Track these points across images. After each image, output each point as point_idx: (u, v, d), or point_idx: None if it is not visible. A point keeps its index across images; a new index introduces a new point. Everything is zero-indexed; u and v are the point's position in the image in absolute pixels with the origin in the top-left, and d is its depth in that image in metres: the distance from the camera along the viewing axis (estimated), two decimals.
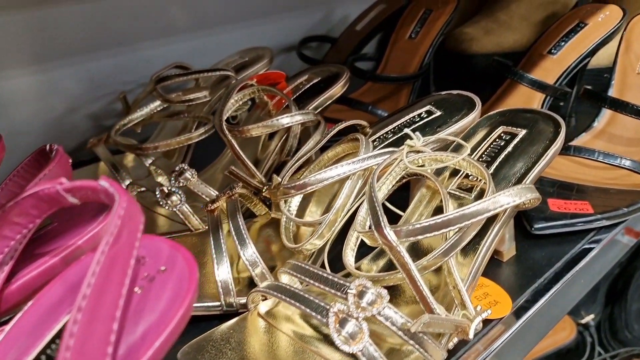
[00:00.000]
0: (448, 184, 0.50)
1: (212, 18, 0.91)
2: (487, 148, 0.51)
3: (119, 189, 0.27)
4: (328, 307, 0.38)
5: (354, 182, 0.50)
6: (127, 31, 0.81)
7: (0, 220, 0.31)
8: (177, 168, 0.60)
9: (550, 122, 0.52)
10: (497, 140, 0.52)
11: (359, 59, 0.93)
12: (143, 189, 0.65)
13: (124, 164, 0.75)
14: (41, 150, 0.42)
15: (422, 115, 0.57)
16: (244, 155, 0.58)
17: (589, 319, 1.00)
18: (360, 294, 0.38)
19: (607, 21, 0.77)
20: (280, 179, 0.54)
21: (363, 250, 0.48)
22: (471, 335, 0.39)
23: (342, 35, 1.01)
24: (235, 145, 0.58)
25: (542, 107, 0.75)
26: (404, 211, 0.51)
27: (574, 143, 0.69)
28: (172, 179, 0.59)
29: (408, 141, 0.48)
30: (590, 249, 0.56)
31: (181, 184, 0.59)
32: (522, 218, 0.58)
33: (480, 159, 0.51)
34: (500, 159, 0.50)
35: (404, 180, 0.50)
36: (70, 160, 0.42)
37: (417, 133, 0.50)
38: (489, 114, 0.55)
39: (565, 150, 0.63)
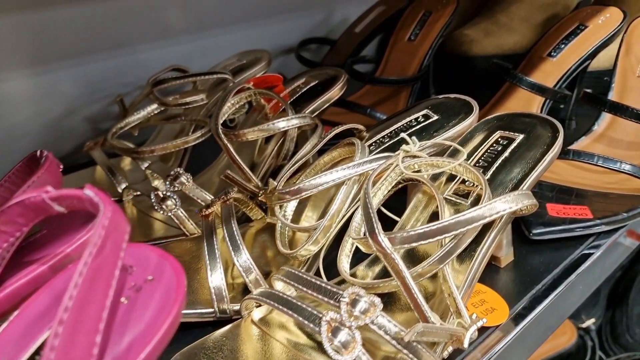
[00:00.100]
0: (444, 189, 0.50)
1: (210, 20, 0.90)
2: (484, 153, 0.51)
3: (103, 198, 0.27)
4: (320, 315, 0.38)
5: (349, 187, 0.49)
6: (124, 33, 0.81)
7: None
8: (172, 172, 0.60)
9: (548, 126, 0.51)
10: (494, 145, 0.51)
11: (358, 61, 0.93)
12: (138, 193, 0.65)
13: (121, 167, 0.75)
14: (32, 155, 0.42)
15: (419, 119, 0.56)
16: (239, 160, 0.57)
17: (589, 323, 0.99)
18: (353, 303, 0.37)
19: (607, 23, 0.76)
20: (276, 183, 0.54)
21: (360, 255, 0.48)
22: (466, 345, 0.39)
23: (341, 37, 1.00)
24: (231, 150, 0.57)
25: (541, 110, 0.75)
26: (401, 215, 0.51)
27: (573, 147, 0.69)
28: (167, 183, 0.59)
29: (404, 146, 0.47)
30: (589, 255, 0.56)
31: (176, 189, 0.59)
32: (520, 223, 0.57)
33: (477, 164, 0.50)
34: (497, 164, 0.49)
35: (400, 186, 0.50)
36: (62, 166, 0.41)
37: (414, 137, 0.49)
38: (486, 118, 0.54)
39: (565, 154, 0.63)
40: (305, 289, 0.41)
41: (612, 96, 0.70)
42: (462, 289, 0.43)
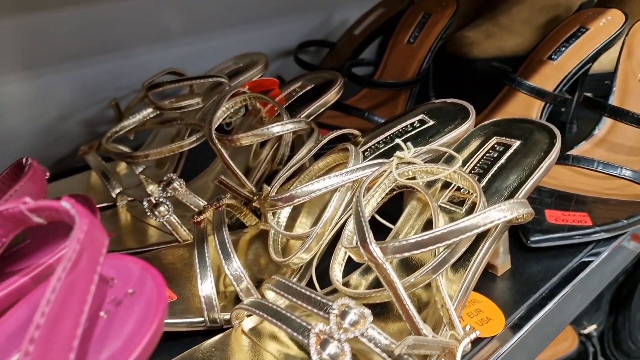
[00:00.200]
0: (439, 196, 0.49)
1: (208, 23, 0.90)
2: (479, 160, 0.50)
3: (80, 210, 0.26)
4: (309, 327, 0.37)
5: (342, 194, 0.49)
6: (120, 37, 0.80)
7: None
8: (165, 178, 0.59)
9: (545, 132, 0.50)
10: (490, 151, 0.50)
11: (357, 64, 0.92)
12: (132, 198, 0.64)
13: (117, 171, 0.74)
14: (18, 162, 0.41)
15: (414, 124, 0.55)
16: (233, 165, 0.57)
17: (591, 329, 0.98)
18: (343, 314, 0.37)
19: (608, 26, 0.75)
20: (270, 189, 0.53)
21: (354, 263, 0.47)
22: (458, 357, 0.38)
23: (340, 39, 0.99)
24: (225, 155, 0.57)
25: (542, 113, 0.74)
26: (397, 222, 0.50)
27: (574, 152, 0.68)
28: (160, 189, 0.58)
29: (397, 153, 0.47)
30: (588, 263, 0.55)
31: (169, 194, 0.58)
32: (518, 230, 0.57)
33: (472, 171, 0.49)
34: (493, 171, 0.48)
35: (395, 192, 0.49)
36: (48, 174, 0.40)
37: (409, 143, 0.48)
38: (483, 123, 0.53)
39: (564, 159, 0.62)
40: (294, 300, 0.40)
41: (613, 100, 0.69)
42: (456, 299, 0.42)
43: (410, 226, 0.49)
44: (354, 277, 0.49)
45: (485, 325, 0.46)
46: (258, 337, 0.43)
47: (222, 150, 0.56)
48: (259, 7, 0.95)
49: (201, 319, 0.46)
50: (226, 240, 0.48)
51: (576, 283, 0.52)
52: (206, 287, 0.46)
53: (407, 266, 0.48)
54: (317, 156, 0.57)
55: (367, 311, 0.37)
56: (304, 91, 0.69)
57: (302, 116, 0.63)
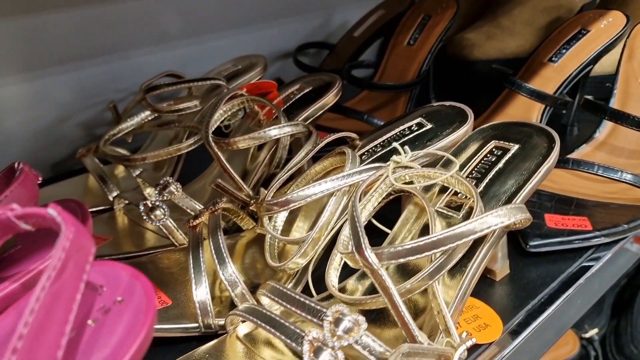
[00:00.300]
0: (436, 201, 0.48)
1: (207, 24, 0.89)
2: (477, 164, 0.49)
3: (66, 218, 0.26)
4: (303, 334, 0.36)
5: (338, 198, 0.48)
6: (119, 38, 0.80)
7: None
8: (161, 181, 0.59)
9: (544, 136, 0.50)
10: (488, 155, 0.50)
11: (357, 66, 0.91)
12: (128, 201, 0.64)
13: (115, 174, 0.74)
14: (11, 167, 0.41)
15: (412, 128, 0.55)
16: (230, 168, 0.56)
17: (593, 333, 0.97)
18: (337, 322, 0.36)
19: (609, 28, 0.74)
20: (267, 193, 0.52)
21: (351, 268, 0.46)
22: None
23: (340, 41, 0.99)
24: (222, 158, 0.56)
25: (542, 116, 0.73)
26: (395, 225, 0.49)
27: (574, 155, 0.67)
28: (157, 192, 0.58)
29: (394, 157, 0.46)
30: (588, 267, 0.54)
31: (165, 198, 0.58)
32: (517, 234, 0.56)
33: (470, 176, 0.49)
34: (491, 175, 0.47)
35: (392, 197, 0.48)
36: (40, 178, 0.40)
37: (406, 147, 0.48)
38: (481, 127, 0.53)
39: (564, 163, 0.61)
40: (288, 306, 0.39)
41: (614, 103, 0.68)
42: (453, 306, 0.42)
43: (407, 231, 0.49)
44: (351, 282, 0.48)
45: (483, 332, 0.46)
46: (253, 343, 0.43)
47: (219, 153, 0.56)
48: (258, 9, 0.95)
49: (195, 325, 0.46)
50: (221, 245, 0.48)
51: (576, 288, 0.51)
52: (201, 293, 0.46)
53: (404, 271, 0.47)
54: (315, 159, 0.56)
55: (362, 318, 0.36)
56: (302, 94, 0.68)
57: (300, 119, 0.63)
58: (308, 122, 0.63)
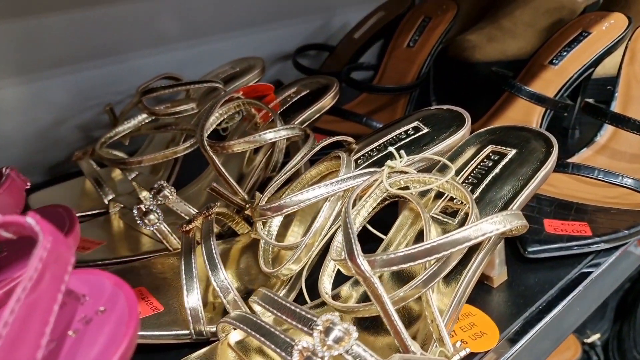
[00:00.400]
0: (432, 206, 0.48)
1: (206, 26, 0.89)
2: (474, 169, 0.49)
3: (44, 227, 0.25)
4: (293, 343, 0.36)
5: (332, 203, 0.47)
6: (116, 41, 0.79)
7: None
8: (155, 185, 0.58)
9: (542, 141, 0.49)
10: (485, 160, 0.49)
11: (356, 68, 0.91)
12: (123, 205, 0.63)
13: (112, 177, 0.73)
14: None
15: (409, 132, 0.54)
16: (225, 172, 0.56)
17: (595, 338, 0.96)
18: (327, 331, 0.35)
19: (611, 30, 0.73)
20: (262, 197, 0.52)
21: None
22: None
23: (340, 43, 0.98)
24: (217, 162, 0.56)
25: (542, 119, 0.72)
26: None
27: (575, 159, 0.66)
28: (151, 196, 0.57)
29: (389, 162, 0.45)
30: (588, 274, 0.53)
31: (159, 202, 0.57)
32: (515, 240, 0.55)
33: (466, 181, 0.48)
34: (487, 181, 0.47)
35: (387, 202, 0.47)
36: (29, 184, 0.40)
37: (402, 152, 0.47)
38: (478, 131, 0.52)
39: (564, 167, 0.60)
40: (278, 314, 0.39)
41: (615, 106, 0.67)
42: (447, 314, 0.41)
43: (402, 236, 0.48)
44: (345, 289, 0.47)
45: (479, 340, 0.45)
46: (244, 351, 0.42)
47: (214, 157, 0.55)
48: (258, 11, 0.94)
49: (187, 332, 0.45)
50: (213, 251, 0.47)
51: (575, 295, 0.51)
52: (192, 299, 0.45)
53: (399, 277, 0.46)
54: (312, 162, 0.56)
55: (352, 327, 0.35)
56: (299, 96, 0.68)
57: (296, 122, 0.62)
58: (305, 125, 0.62)
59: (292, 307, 0.38)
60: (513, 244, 0.55)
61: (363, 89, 0.86)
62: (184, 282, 0.46)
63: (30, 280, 0.23)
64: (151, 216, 0.56)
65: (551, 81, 0.73)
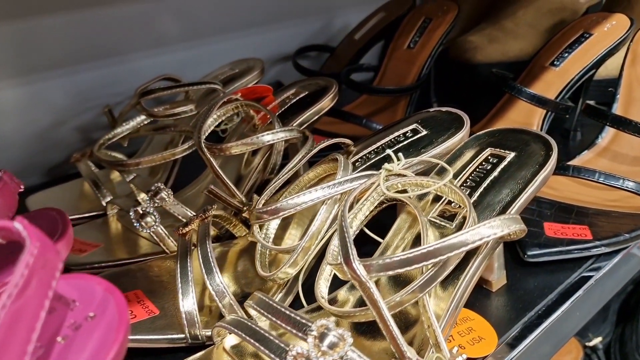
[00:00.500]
0: (430, 210, 0.47)
1: (206, 27, 0.88)
2: (472, 172, 0.48)
3: (32, 232, 0.25)
4: (287, 349, 0.35)
5: (329, 206, 0.47)
6: (115, 42, 0.79)
7: None
8: (152, 187, 0.58)
9: (541, 144, 0.48)
10: (483, 163, 0.48)
11: (356, 69, 0.90)
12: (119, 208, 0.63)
13: (111, 179, 0.73)
14: None
15: (407, 134, 0.54)
16: (223, 174, 0.55)
17: (596, 341, 0.95)
18: (322, 336, 0.35)
19: (613, 31, 0.72)
20: (260, 199, 0.51)
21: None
22: None
23: (340, 44, 0.98)
24: (214, 164, 0.55)
25: (543, 121, 0.71)
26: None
27: (576, 161, 0.65)
28: (148, 198, 0.57)
29: (386, 165, 0.45)
30: (588, 278, 0.53)
31: (156, 204, 0.57)
32: (515, 243, 0.55)
33: (464, 184, 0.47)
34: (485, 184, 0.46)
35: (384, 205, 0.47)
36: (22, 187, 0.39)
37: (400, 154, 0.47)
38: (477, 134, 0.51)
39: (564, 170, 0.60)
40: (273, 319, 0.38)
41: (617, 108, 0.67)
42: (444, 319, 0.40)
43: (400, 240, 0.47)
44: (342, 293, 0.47)
45: (477, 345, 0.44)
46: (240, 355, 0.42)
47: (212, 159, 0.55)
48: (258, 11, 0.94)
49: (182, 336, 0.45)
50: (209, 254, 0.47)
51: (575, 300, 0.50)
52: (187, 303, 0.45)
53: (396, 280, 0.46)
54: (311, 164, 0.55)
55: (347, 333, 0.35)
56: (297, 98, 0.67)
57: (295, 124, 0.62)
58: (303, 127, 0.62)
59: (287, 312, 0.38)
60: (512, 248, 0.55)
61: (363, 90, 0.85)
62: (180, 285, 0.46)
63: (16, 287, 0.23)
64: (148, 219, 0.56)
65: (552, 83, 0.72)
